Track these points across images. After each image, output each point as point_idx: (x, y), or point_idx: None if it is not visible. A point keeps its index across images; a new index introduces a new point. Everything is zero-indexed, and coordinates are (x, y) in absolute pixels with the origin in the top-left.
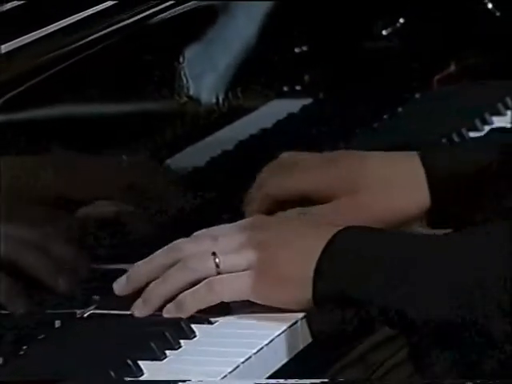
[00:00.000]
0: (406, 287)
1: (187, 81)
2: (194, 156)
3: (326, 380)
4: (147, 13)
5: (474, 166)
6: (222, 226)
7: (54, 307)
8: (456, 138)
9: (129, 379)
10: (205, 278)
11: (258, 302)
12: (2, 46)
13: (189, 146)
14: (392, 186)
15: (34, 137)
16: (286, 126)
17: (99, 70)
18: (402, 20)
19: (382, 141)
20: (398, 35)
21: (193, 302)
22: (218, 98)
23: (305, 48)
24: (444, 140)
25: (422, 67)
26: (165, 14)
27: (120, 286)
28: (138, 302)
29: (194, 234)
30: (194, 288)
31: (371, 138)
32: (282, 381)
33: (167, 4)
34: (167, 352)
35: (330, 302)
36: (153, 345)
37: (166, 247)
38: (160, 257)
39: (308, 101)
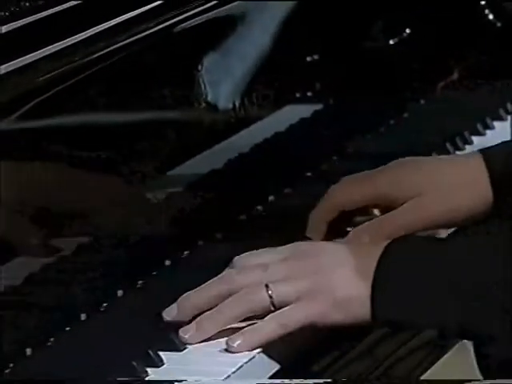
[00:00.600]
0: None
1: (205, 88)
2: (212, 158)
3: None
4: (168, 23)
5: None
6: (268, 250)
7: (79, 301)
8: (459, 142)
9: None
10: (258, 310)
11: (321, 325)
12: (28, 56)
13: (207, 148)
14: (455, 186)
15: (61, 141)
16: (299, 130)
17: (122, 78)
18: (407, 30)
19: (389, 144)
20: (404, 44)
21: (259, 337)
22: (234, 104)
23: (316, 57)
24: (448, 144)
25: (427, 74)
26: (185, 23)
27: (170, 315)
28: (191, 328)
29: (238, 259)
30: (258, 325)
31: (378, 142)
32: (286, 381)
33: (187, 15)
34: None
35: (390, 318)
36: (172, 336)
37: (217, 278)
38: (212, 288)
39: (319, 106)
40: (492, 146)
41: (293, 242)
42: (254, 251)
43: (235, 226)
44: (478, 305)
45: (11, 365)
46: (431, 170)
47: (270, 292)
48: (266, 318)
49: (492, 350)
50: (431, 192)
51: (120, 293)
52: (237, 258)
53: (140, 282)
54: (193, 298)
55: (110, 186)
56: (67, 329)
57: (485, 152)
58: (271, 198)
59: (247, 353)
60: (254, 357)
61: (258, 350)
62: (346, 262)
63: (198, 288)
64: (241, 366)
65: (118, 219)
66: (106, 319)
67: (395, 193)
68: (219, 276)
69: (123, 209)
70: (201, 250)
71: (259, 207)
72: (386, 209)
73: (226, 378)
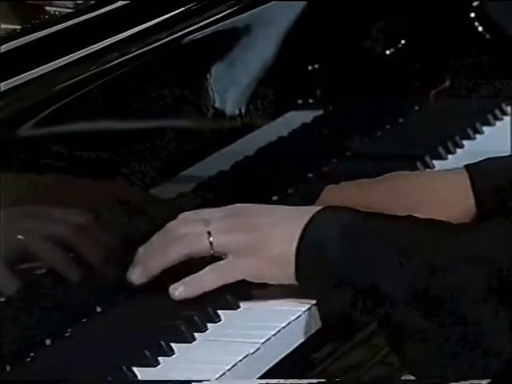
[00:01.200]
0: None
1: (213, 95)
2: (220, 161)
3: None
4: (178, 34)
5: None
6: (210, 209)
7: (93, 293)
8: (451, 146)
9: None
10: (199, 254)
11: (254, 280)
12: (51, 63)
13: (215, 151)
14: (443, 201)
15: (77, 147)
16: (300, 134)
17: (136, 86)
18: (403, 41)
19: (385, 147)
20: (400, 54)
21: (199, 285)
22: (240, 110)
23: (316, 66)
24: (440, 147)
25: (421, 82)
26: (194, 35)
27: (130, 276)
28: (137, 266)
29: (182, 215)
30: (198, 274)
31: (375, 145)
32: (282, 381)
33: (196, 26)
34: (196, 334)
35: (312, 278)
36: (183, 328)
37: (162, 230)
38: (158, 239)
39: (319, 112)
40: (476, 162)
41: None
42: (197, 210)
43: None
44: (385, 267)
45: (32, 354)
46: (421, 186)
47: (210, 239)
48: (206, 269)
49: (395, 312)
50: (422, 207)
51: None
52: (181, 214)
53: None
54: (144, 248)
55: (120, 189)
56: (84, 320)
57: (469, 168)
58: (275, 197)
59: (264, 334)
60: (270, 338)
61: (274, 331)
62: (281, 223)
63: (146, 243)
64: (258, 348)
65: (129, 219)
66: (120, 310)
67: (387, 206)
68: (164, 228)
69: (133, 209)
70: None
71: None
72: None
73: (243, 359)
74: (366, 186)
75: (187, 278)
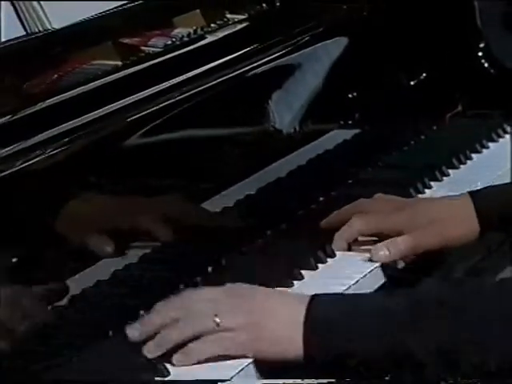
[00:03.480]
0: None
1: (274, 117)
2: (279, 169)
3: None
4: (244, 69)
5: None
6: (216, 289)
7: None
8: (462, 158)
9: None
10: (206, 333)
11: (254, 357)
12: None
13: (275, 161)
14: (449, 222)
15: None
16: (342, 148)
17: (214, 111)
18: (424, 74)
19: (410, 159)
20: (421, 85)
21: (202, 352)
22: (295, 129)
23: (355, 94)
24: (454, 159)
25: (438, 107)
26: (258, 69)
27: (133, 332)
28: (150, 344)
29: (191, 292)
30: (203, 345)
31: (402, 157)
32: (290, 381)
33: (259, 63)
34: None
35: (321, 355)
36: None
37: (174, 301)
38: (170, 311)
39: (357, 131)
40: (479, 189)
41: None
42: (204, 289)
43: (296, 218)
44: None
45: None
46: (439, 211)
47: (217, 320)
48: (209, 340)
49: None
50: (430, 226)
51: None
52: (190, 291)
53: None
54: (153, 319)
55: (185, 195)
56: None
57: (472, 193)
58: (321, 198)
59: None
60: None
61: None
62: (279, 307)
63: (155, 310)
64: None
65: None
66: None
67: (408, 228)
68: (175, 300)
69: (202, 211)
70: (269, 238)
71: (313, 205)
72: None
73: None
74: (392, 206)
75: (191, 346)
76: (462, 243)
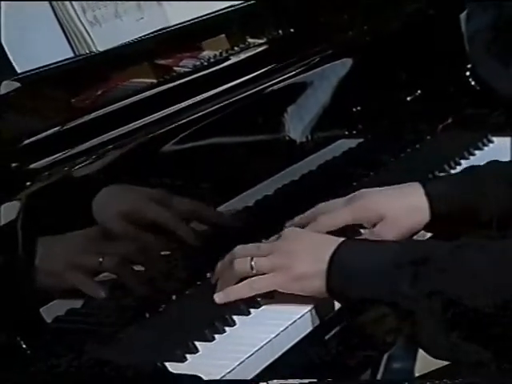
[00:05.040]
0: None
1: (288, 129)
2: (293, 172)
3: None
4: (264, 86)
5: (463, 192)
6: (269, 240)
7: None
8: (452, 163)
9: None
10: (245, 274)
11: (285, 291)
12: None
13: (289, 166)
14: (403, 211)
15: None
16: (348, 155)
17: (237, 122)
18: (419, 91)
19: (407, 164)
20: (417, 100)
21: (235, 294)
22: (307, 137)
23: (359, 108)
24: (445, 164)
25: (431, 119)
26: (273, 87)
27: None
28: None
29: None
30: (236, 286)
31: (400, 163)
32: (290, 381)
33: (275, 81)
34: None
35: (341, 290)
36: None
37: (231, 252)
38: (227, 257)
39: (361, 140)
40: (430, 179)
41: None
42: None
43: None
44: (406, 287)
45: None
46: (388, 201)
47: (252, 263)
48: (243, 282)
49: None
50: (390, 217)
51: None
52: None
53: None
54: (219, 266)
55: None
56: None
57: (422, 181)
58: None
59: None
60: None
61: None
62: (311, 248)
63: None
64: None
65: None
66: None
67: (365, 218)
68: (234, 249)
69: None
70: None
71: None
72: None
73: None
74: (348, 209)
75: (228, 289)
76: (416, 230)
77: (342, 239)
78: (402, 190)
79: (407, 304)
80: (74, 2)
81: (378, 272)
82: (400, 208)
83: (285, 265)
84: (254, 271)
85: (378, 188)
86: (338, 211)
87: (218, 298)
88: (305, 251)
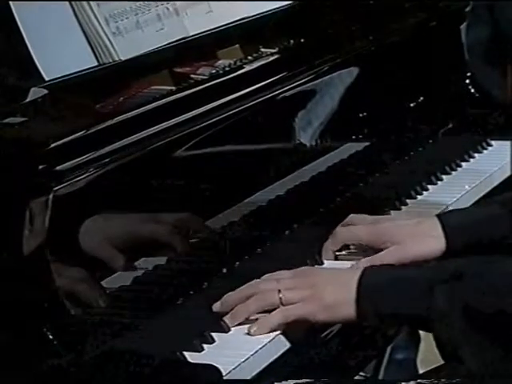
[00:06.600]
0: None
1: (298, 134)
2: (303, 174)
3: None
4: (276, 92)
5: (479, 221)
6: (283, 271)
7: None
8: (453, 166)
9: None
10: (271, 307)
11: (313, 321)
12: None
13: (299, 168)
14: (420, 239)
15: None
16: (354, 158)
17: (250, 127)
18: (421, 98)
19: (410, 167)
20: (420, 106)
21: (268, 324)
22: (316, 141)
23: (365, 114)
24: (446, 167)
25: (433, 125)
26: (285, 94)
27: (217, 307)
28: (227, 317)
29: (263, 277)
30: (268, 316)
31: (404, 165)
32: (292, 381)
33: (285, 88)
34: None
35: (372, 315)
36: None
37: (248, 284)
38: (244, 291)
39: (366, 144)
40: (446, 212)
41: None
42: (272, 273)
43: (321, 212)
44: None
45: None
46: (402, 227)
47: (280, 296)
48: (274, 312)
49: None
50: (403, 243)
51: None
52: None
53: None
54: (231, 297)
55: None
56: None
57: (439, 215)
58: (338, 199)
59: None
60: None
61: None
62: (333, 280)
63: (236, 290)
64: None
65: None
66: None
67: (377, 243)
68: (250, 283)
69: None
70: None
71: (331, 204)
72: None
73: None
74: (363, 231)
75: (260, 319)
76: (430, 258)
77: (358, 268)
78: (420, 224)
79: (444, 319)
80: (97, 14)
81: (410, 289)
82: (413, 236)
83: (313, 295)
84: (283, 303)
85: (402, 219)
86: (357, 228)
87: (253, 330)
88: (328, 282)
